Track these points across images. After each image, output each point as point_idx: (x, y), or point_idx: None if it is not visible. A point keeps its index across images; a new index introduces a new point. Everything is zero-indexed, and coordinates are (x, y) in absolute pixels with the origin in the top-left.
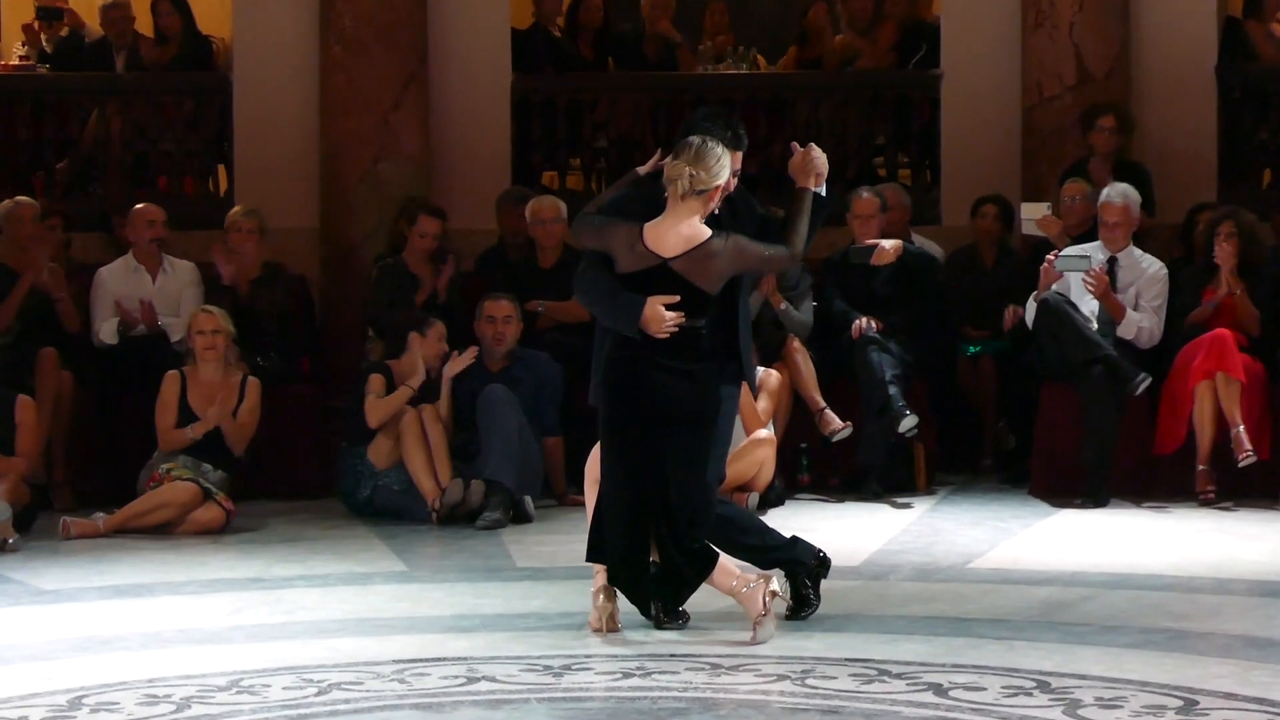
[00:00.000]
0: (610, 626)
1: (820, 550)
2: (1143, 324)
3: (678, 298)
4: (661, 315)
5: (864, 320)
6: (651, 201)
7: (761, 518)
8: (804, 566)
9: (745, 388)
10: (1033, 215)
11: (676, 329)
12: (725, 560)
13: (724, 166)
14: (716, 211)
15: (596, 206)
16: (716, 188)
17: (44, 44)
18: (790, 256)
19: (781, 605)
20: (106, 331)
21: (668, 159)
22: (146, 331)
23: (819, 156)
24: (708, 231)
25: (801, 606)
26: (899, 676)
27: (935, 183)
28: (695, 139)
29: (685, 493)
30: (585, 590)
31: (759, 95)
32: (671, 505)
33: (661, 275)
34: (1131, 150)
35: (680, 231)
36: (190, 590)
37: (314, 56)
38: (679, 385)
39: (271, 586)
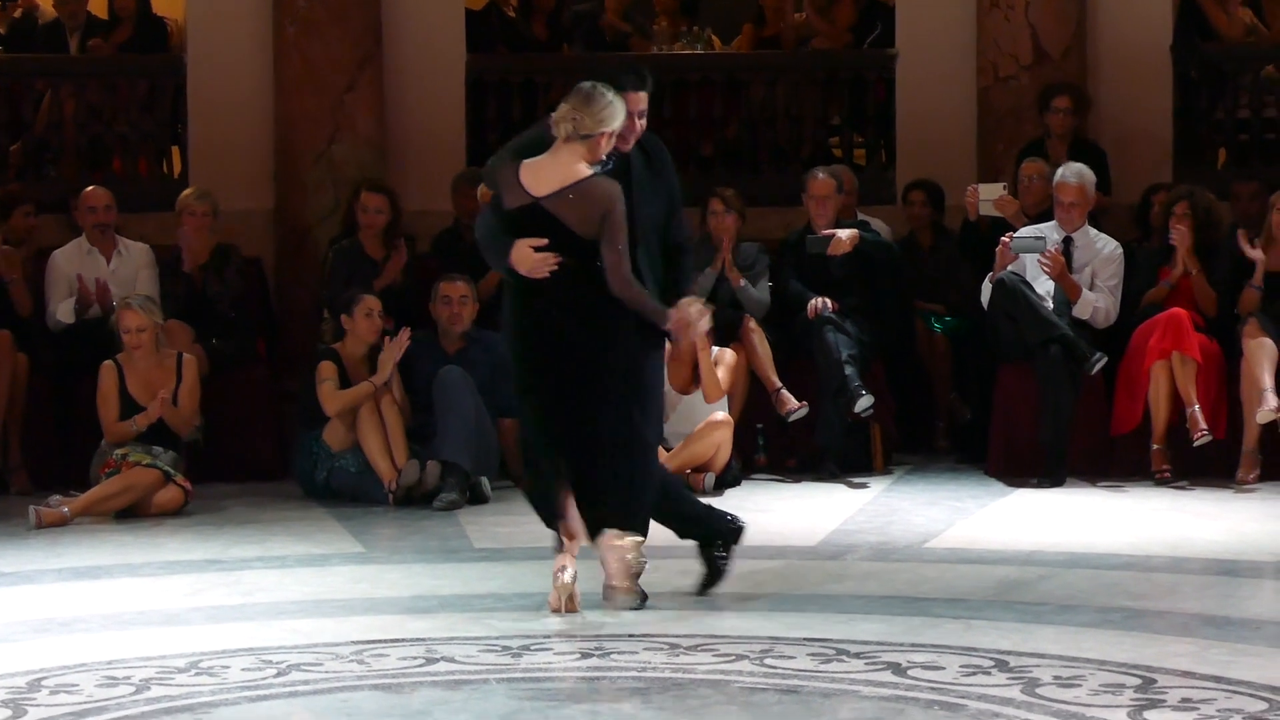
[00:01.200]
0: (569, 607)
1: (734, 516)
2: (1099, 304)
3: (545, 240)
4: (528, 255)
5: (820, 300)
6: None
7: (718, 499)
8: (721, 535)
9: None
10: (989, 196)
11: (556, 268)
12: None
13: (613, 114)
14: (612, 158)
15: (505, 149)
16: (602, 134)
17: None
18: (621, 277)
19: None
20: (63, 311)
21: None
22: (101, 313)
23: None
24: (585, 172)
25: (715, 578)
26: (857, 656)
27: (890, 163)
28: (587, 84)
29: (610, 430)
30: (543, 571)
31: (714, 75)
32: (591, 440)
33: (535, 214)
34: (1088, 130)
35: (556, 171)
36: (148, 572)
37: (268, 37)
38: (572, 323)
39: (230, 568)
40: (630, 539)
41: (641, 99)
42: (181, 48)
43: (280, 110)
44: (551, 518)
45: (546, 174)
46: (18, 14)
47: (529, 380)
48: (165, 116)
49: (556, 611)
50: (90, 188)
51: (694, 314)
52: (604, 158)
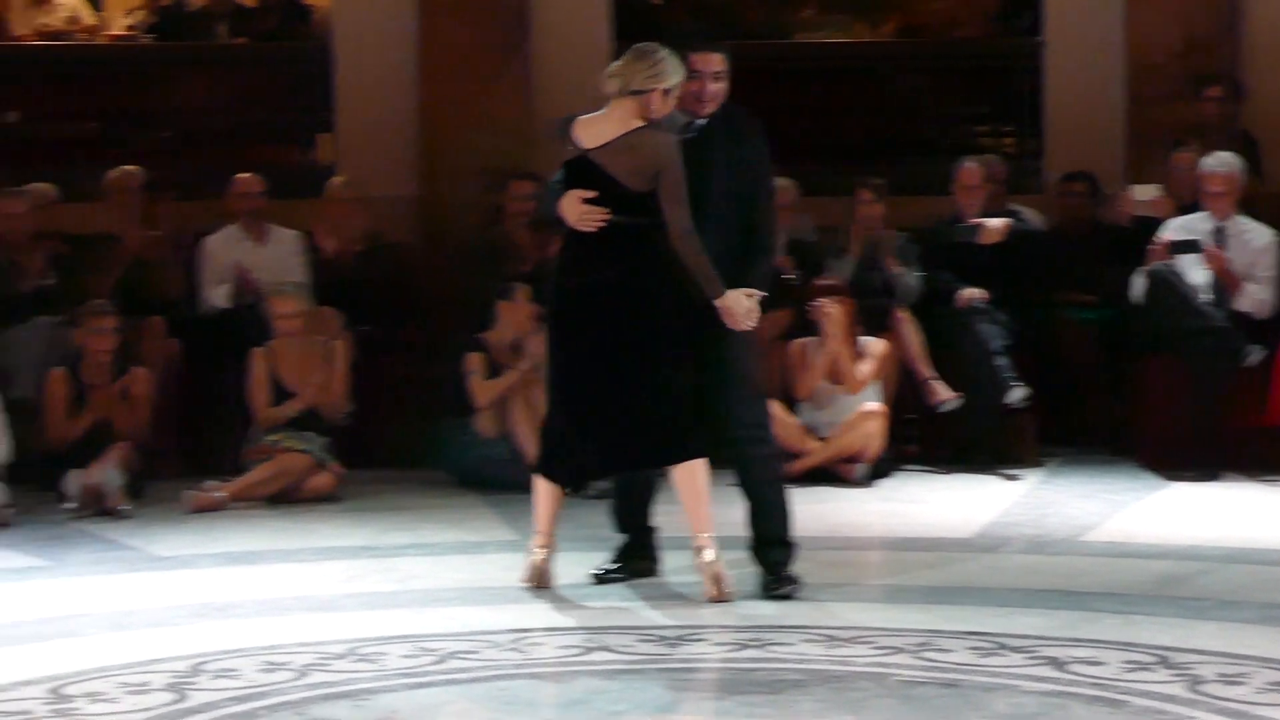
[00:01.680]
0: (542, 583)
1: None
2: (1259, 295)
3: (595, 193)
4: (575, 206)
5: (970, 291)
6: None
7: (870, 490)
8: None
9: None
10: (1144, 197)
11: (604, 224)
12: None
13: (664, 70)
14: (693, 126)
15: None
16: (654, 90)
17: (147, 14)
18: (682, 232)
19: None
20: (219, 296)
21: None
22: (252, 300)
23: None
24: (637, 124)
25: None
26: (1017, 650)
27: (1038, 152)
28: (641, 44)
29: (649, 400)
30: None
31: (859, 64)
32: (625, 412)
33: (586, 167)
34: (1241, 118)
35: (608, 125)
36: (303, 558)
37: (414, 24)
38: (611, 277)
39: (384, 555)
40: (709, 553)
41: (713, 60)
42: (328, 35)
43: (426, 97)
44: (558, 475)
45: (599, 128)
46: (167, 2)
47: (562, 332)
48: (312, 103)
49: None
50: (242, 174)
51: (742, 308)
52: (657, 118)
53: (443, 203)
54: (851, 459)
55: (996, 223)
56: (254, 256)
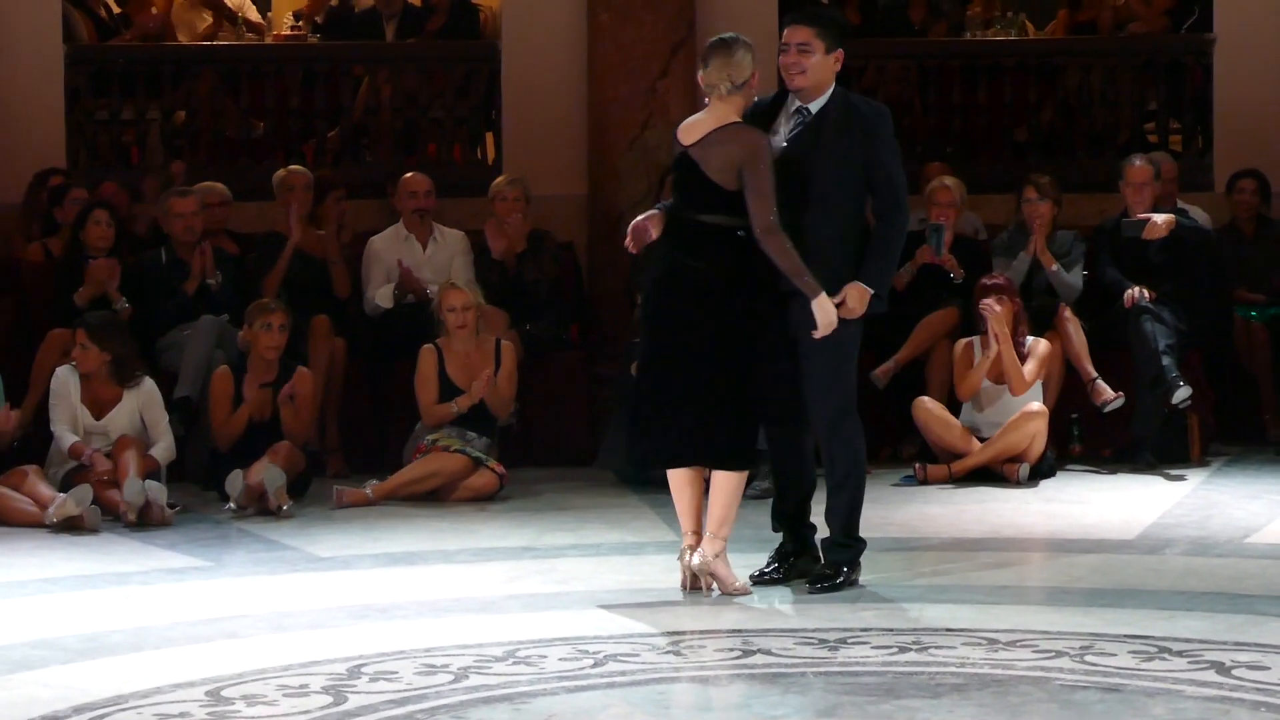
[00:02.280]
0: (693, 584)
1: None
2: None
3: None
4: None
5: (1137, 289)
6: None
7: (1033, 490)
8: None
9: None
10: None
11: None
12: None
13: (750, 57)
14: (804, 116)
15: None
16: (752, 76)
17: (314, 15)
18: (764, 229)
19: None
20: (382, 296)
21: (700, 67)
22: (416, 299)
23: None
24: (732, 119)
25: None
26: (1180, 654)
27: (1208, 149)
28: (716, 39)
29: (704, 392)
30: (861, 562)
31: (1028, 61)
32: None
33: (683, 164)
34: None
35: (708, 122)
36: (463, 559)
37: (582, 23)
38: (698, 285)
39: (544, 555)
40: (701, 555)
41: (798, 33)
42: (496, 34)
43: (593, 96)
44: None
45: (700, 125)
46: (335, 2)
47: (648, 323)
48: (479, 102)
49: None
50: (410, 174)
51: (826, 317)
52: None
53: (610, 202)
54: (1014, 459)
55: (1162, 218)
56: (419, 256)
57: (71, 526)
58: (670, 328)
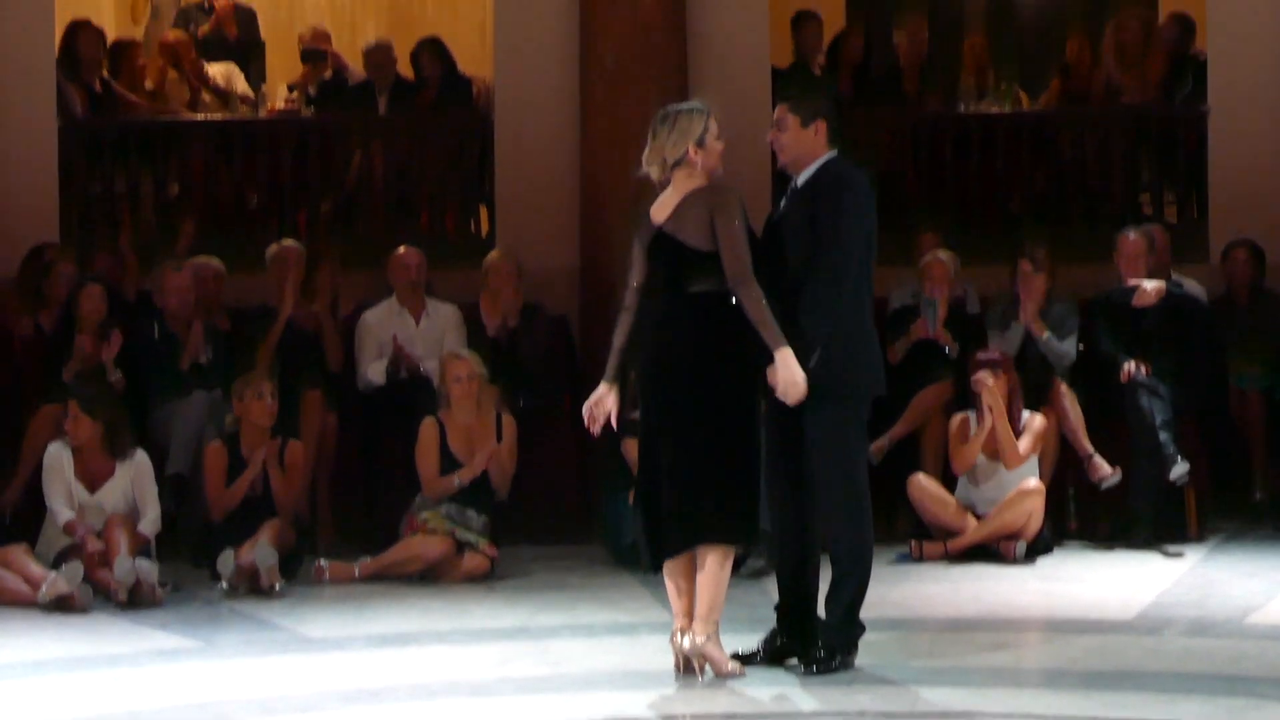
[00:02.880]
0: (686, 668)
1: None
2: None
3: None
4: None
5: (1133, 364)
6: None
7: (1029, 567)
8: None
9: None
10: None
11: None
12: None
13: (688, 124)
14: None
15: None
16: (687, 149)
17: (308, 87)
18: (736, 279)
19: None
20: (375, 371)
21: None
22: (408, 375)
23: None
24: (696, 185)
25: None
26: None
27: (1202, 219)
28: (660, 111)
29: (689, 470)
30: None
31: (1021, 131)
32: (686, 483)
33: (658, 242)
34: None
35: (672, 196)
36: (456, 639)
37: (574, 94)
38: (691, 360)
39: (537, 636)
40: (692, 639)
41: (775, 109)
42: (489, 106)
43: (586, 168)
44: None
45: (667, 202)
46: (328, 75)
47: (640, 404)
48: (472, 174)
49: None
50: (402, 248)
51: (788, 376)
52: (715, 172)
53: (603, 273)
54: (1011, 536)
55: (1151, 284)
56: (412, 330)
57: (63, 605)
58: (664, 409)
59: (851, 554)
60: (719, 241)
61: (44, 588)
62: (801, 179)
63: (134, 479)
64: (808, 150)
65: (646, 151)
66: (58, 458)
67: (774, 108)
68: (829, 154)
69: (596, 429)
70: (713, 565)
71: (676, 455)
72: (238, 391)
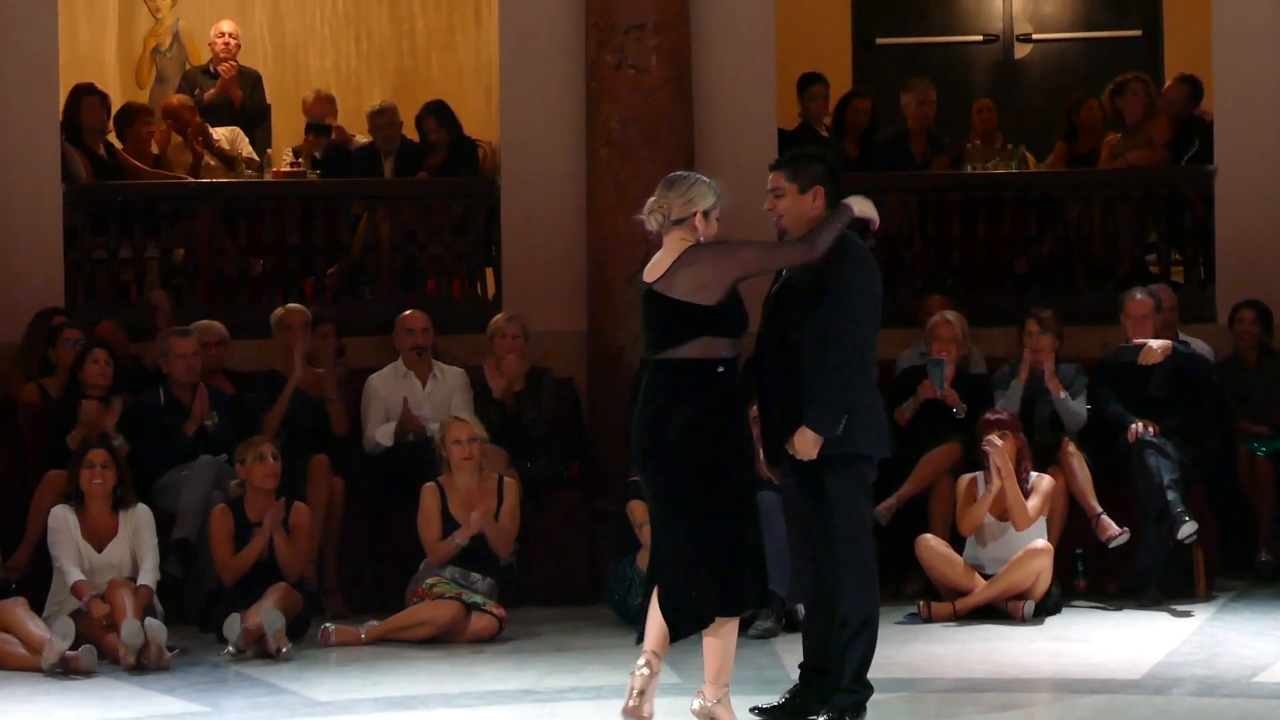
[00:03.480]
0: (634, 712)
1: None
2: None
3: None
4: None
5: (1140, 424)
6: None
7: (1037, 628)
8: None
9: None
10: None
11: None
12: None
13: (699, 193)
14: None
15: None
16: (694, 214)
17: (313, 152)
18: (808, 250)
19: None
20: (382, 434)
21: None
22: (414, 439)
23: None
24: (687, 244)
25: None
26: None
27: (1210, 280)
28: (672, 175)
29: (671, 545)
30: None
31: (1028, 193)
32: (665, 564)
33: (651, 300)
34: None
35: (666, 256)
36: (463, 703)
37: (581, 159)
38: (668, 431)
39: (545, 699)
40: (697, 702)
41: (771, 177)
42: (495, 170)
43: (593, 232)
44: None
45: (661, 261)
46: (333, 137)
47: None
48: (479, 238)
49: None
50: (408, 311)
51: (801, 451)
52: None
53: (610, 337)
54: (1019, 596)
55: (1158, 343)
56: (418, 393)
57: (68, 667)
58: (655, 485)
59: (859, 616)
60: (750, 251)
61: (45, 653)
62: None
63: (136, 529)
64: (807, 217)
65: (651, 201)
66: (63, 519)
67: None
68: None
69: None
70: (713, 641)
71: (671, 532)
72: (240, 455)
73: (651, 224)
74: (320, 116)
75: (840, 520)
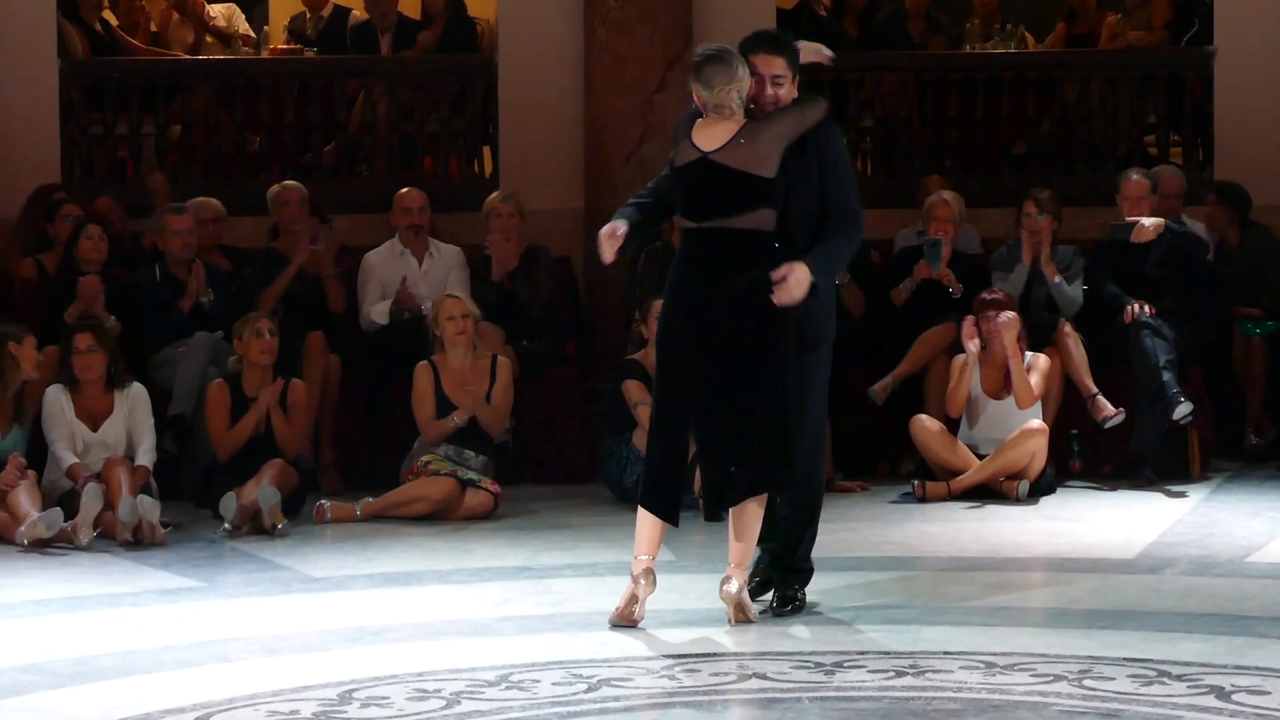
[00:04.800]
0: (626, 616)
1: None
2: None
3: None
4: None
5: (1137, 305)
6: None
7: (1032, 507)
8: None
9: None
10: None
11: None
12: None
13: (746, 68)
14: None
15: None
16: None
17: (306, 29)
18: (815, 109)
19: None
20: (378, 312)
21: (699, 85)
22: (410, 316)
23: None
24: (743, 119)
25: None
26: (1179, 678)
27: (1208, 162)
28: (713, 56)
29: (742, 421)
30: (857, 582)
31: (1027, 74)
32: (726, 431)
33: (703, 171)
34: None
35: (720, 128)
36: (458, 579)
37: (578, 37)
38: (731, 302)
39: (539, 576)
40: (735, 584)
41: (774, 63)
42: (492, 48)
43: (590, 110)
44: (656, 501)
45: (720, 130)
46: (326, 12)
47: (671, 351)
48: (476, 116)
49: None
50: (405, 189)
51: (794, 283)
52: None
53: (607, 216)
54: (1014, 476)
55: (1150, 221)
56: (415, 271)
57: (57, 544)
58: (707, 351)
59: (812, 494)
60: (788, 129)
61: (23, 527)
62: None
63: (131, 409)
64: (785, 101)
65: (717, 90)
66: (57, 401)
67: (759, 60)
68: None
69: (610, 256)
70: (758, 512)
71: (722, 406)
72: (237, 331)
73: (731, 109)
74: None
75: (816, 397)
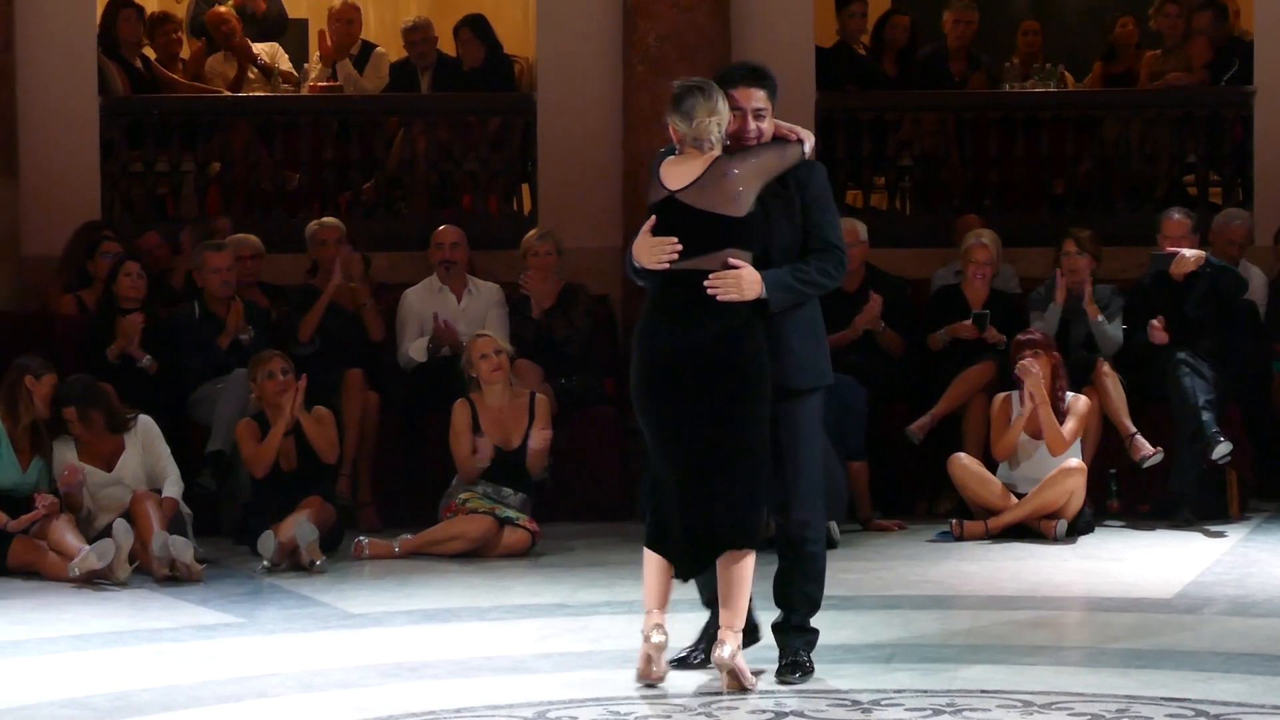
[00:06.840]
0: (646, 675)
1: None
2: None
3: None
4: (648, 241)
5: (1158, 321)
6: None
7: (1070, 546)
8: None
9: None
10: None
11: (675, 255)
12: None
13: (724, 107)
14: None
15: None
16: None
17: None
18: (797, 150)
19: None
20: (415, 349)
21: (676, 118)
22: (449, 352)
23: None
24: (715, 155)
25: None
26: (1216, 718)
27: (1248, 202)
28: (693, 88)
29: (723, 476)
30: (895, 621)
31: (1066, 113)
32: (706, 489)
33: (671, 208)
34: None
35: (691, 166)
36: (496, 616)
37: (617, 75)
38: (705, 346)
39: (577, 613)
40: (729, 649)
41: (754, 96)
42: (530, 86)
43: (628, 149)
44: (669, 553)
45: (682, 169)
46: (355, 50)
47: (648, 398)
48: (514, 154)
49: (644, 681)
50: (442, 226)
51: (737, 280)
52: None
53: None
54: (1052, 516)
55: (1191, 253)
56: (453, 308)
57: (96, 579)
58: (683, 396)
59: (817, 547)
60: (773, 157)
61: (75, 560)
62: None
63: (145, 443)
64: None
65: (696, 124)
66: (62, 456)
67: (739, 93)
68: None
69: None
70: (743, 573)
71: (702, 459)
72: (251, 373)
73: (710, 144)
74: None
75: (809, 448)
